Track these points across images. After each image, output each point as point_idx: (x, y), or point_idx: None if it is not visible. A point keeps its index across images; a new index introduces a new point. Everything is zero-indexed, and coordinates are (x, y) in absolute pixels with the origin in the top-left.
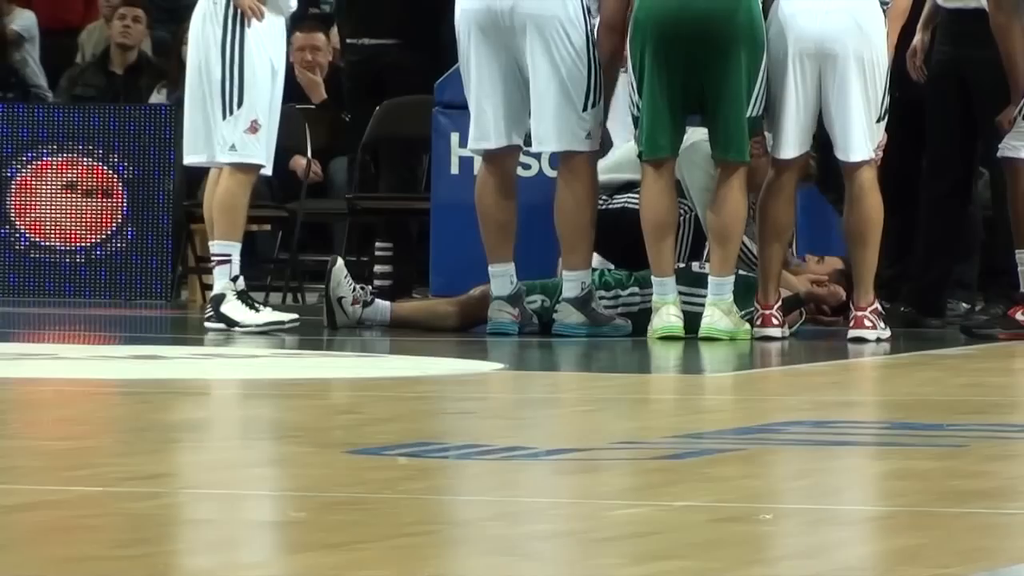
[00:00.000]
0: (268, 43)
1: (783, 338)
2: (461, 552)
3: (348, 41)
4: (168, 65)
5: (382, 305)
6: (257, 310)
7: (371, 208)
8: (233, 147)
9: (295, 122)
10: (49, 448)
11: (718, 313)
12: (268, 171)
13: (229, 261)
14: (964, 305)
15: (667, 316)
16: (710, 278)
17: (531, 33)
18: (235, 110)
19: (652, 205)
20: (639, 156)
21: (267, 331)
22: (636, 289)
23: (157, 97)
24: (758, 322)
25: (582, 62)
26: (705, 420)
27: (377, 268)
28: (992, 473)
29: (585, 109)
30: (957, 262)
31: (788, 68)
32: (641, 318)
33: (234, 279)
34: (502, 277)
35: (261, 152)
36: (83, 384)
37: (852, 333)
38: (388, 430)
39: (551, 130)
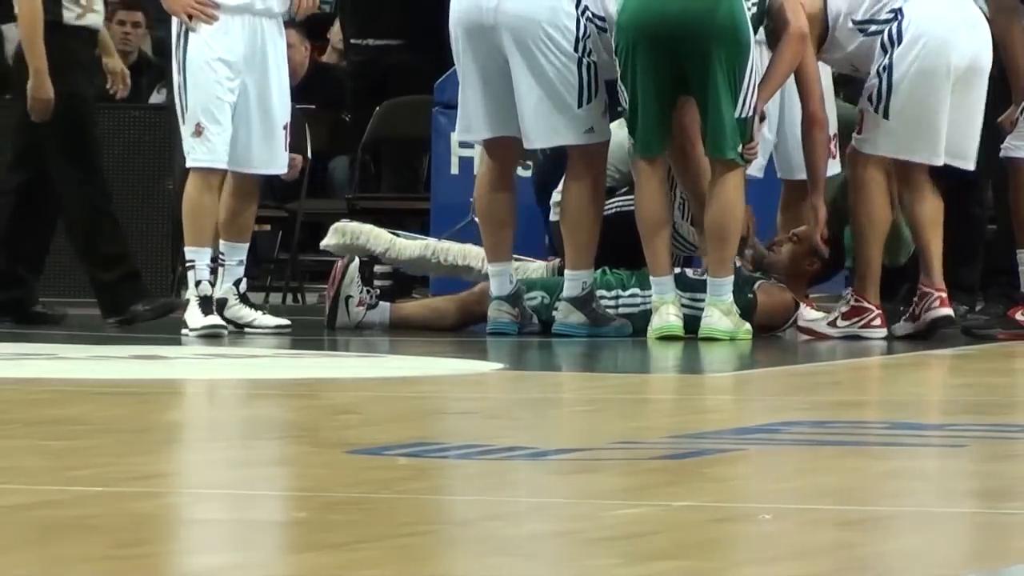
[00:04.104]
0: (215, 41)
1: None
2: (461, 552)
3: (352, 41)
4: (168, 65)
5: (382, 306)
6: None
7: (371, 208)
8: (187, 152)
9: (295, 122)
10: (49, 448)
11: (717, 313)
12: (253, 169)
13: (193, 267)
14: (963, 308)
15: (666, 316)
16: (708, 279)
17: (513, 36)
18: (185, 116)
19: (646, 203)
20: (633, 157)
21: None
22: (637, 290)
23: (157, 97)
24: (860, 323)
25: (571, 62)
26: (705, 420)
27: (377, 268)
28: (992, 473)
29: (581, 106)
30: (959, 265)
31: (945, 81)
32: (641, 320)
33: (197, 283)
34: (501, 276)
35: (210, 155)
36: (83, 384)
37: (942, 312)
38: (388, 430)
39: (531, 127)
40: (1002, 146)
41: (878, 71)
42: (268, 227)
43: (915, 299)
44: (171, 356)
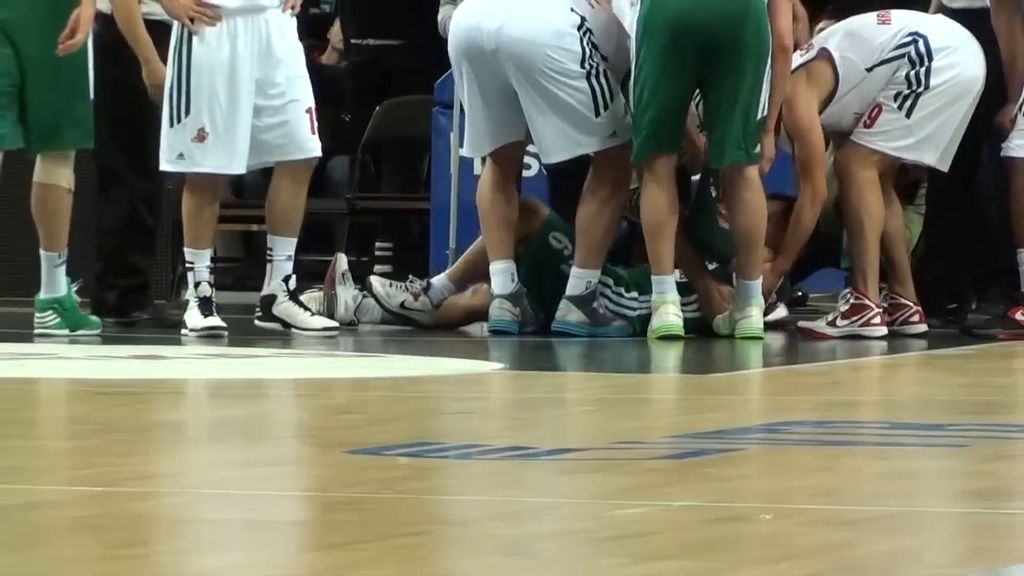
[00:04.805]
0: (220, 46)
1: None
2: (461, 552)
3: (352, 41)
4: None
5: (436, 283)
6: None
7: (371, 208)
8: (181, 156)
9: None
10: (50, 448)
11: (757, 312)
12: (237, 170)
13: (193, 268)
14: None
15: (666, 315)
16: (742, 282)
17: (516, 62)
18: (183, 118)
19: (652, 203)
20: (636, 156)
21: (325, 335)
22: (636, 295)
23: None
24: (860, 322)
25: (580, 79)
26: (705, 420)
27: (377, 268)
28: (992, 473)
29: (599, 114)
30: (998, 251)
31: (974, 94)
32: (638, 324)
33: (196, 285)
34: (503, 274)
35: (212, 160)
36: (83, 384)
37: (921, 328)
38: (388, 430)
39: (550, 145)
40: (1003, 145)
41: (907, 77)
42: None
43: (884, 305)
44: (171, 356)
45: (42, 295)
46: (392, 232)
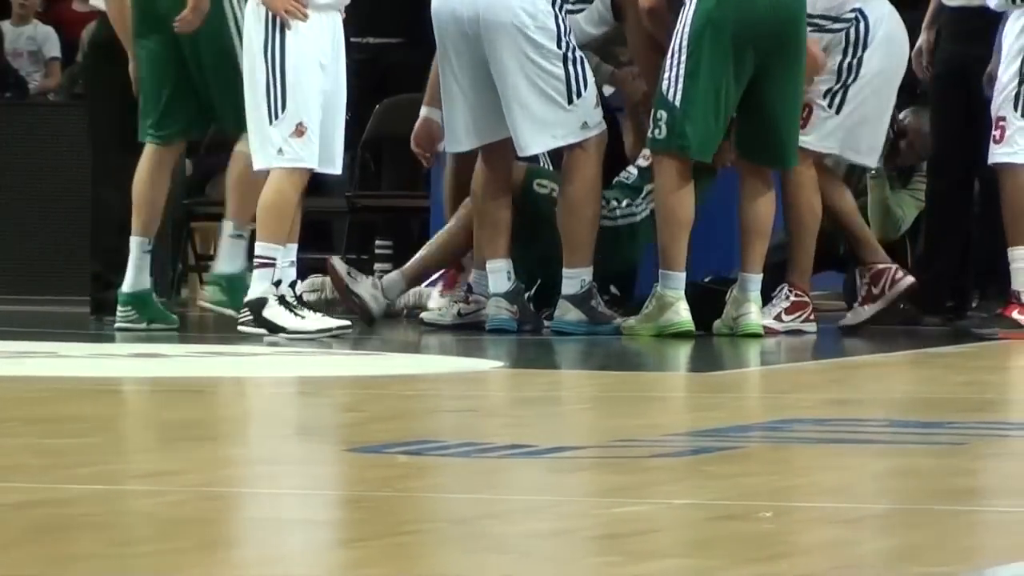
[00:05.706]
0: (311, 40)
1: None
2: (460, 550)
3: (352, 40)
4: None
5: (392, 278)
6: (302, 316)
7: (371, 206)
8: (281, 151)
9: None
10: (50, 446)
11: (756, 309)
12: (334, 170)
13: (273, 265)
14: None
15: (679, 312)
16: (747, 275)
17: (494, 43)
18: (280, 114)
19: (673, 198)
20: (678, 150)
21: (316, 337)
22: (628, 200)
23: None
24: (803, 318)
25: (557, 60)
26: (705, 418)
27: (377, 266)
28: (990, 471)
29: (571, 101)
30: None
31: (897, 84)
32: (644, 226)
33: (276, 283)
34: (499, 273)
35: (309, 155)
36: (83, 382)
37: (909, 280)
38: (387, 428)
39: (523, 135)
40: (991, 153)
41: (839, 67)
42: None
43: (866, 280)
44: (171, 354)
45: (216, 270)
46: (392, 230)
